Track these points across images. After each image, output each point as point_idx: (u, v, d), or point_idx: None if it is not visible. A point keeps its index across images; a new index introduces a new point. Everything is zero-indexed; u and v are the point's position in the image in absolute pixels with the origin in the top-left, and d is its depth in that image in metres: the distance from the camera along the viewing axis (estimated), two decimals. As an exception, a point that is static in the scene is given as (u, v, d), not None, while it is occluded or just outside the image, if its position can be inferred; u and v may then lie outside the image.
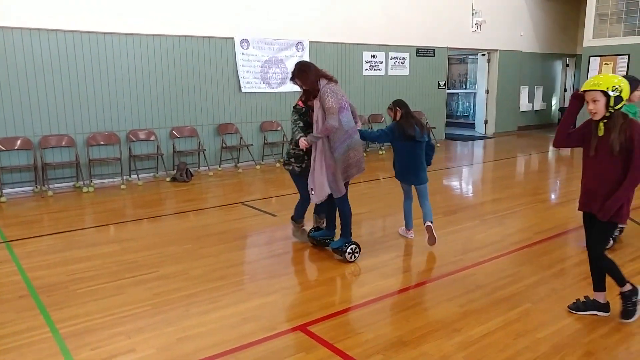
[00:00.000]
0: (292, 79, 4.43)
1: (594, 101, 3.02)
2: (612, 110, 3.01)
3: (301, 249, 4.88)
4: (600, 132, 3.09)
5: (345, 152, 4.30)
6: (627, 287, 3.31)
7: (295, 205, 4.94)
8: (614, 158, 3.04)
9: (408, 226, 5.21)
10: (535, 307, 3.57)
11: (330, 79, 4.32)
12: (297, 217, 4.96)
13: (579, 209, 3.36)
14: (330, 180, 4.32)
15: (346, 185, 4.45)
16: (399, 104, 4.83)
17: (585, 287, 3.88)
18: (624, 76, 3.24)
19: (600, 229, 3.24)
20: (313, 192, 4.45)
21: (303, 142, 4.31)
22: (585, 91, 3.07)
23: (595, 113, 3.04)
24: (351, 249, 4.46)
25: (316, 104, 4.28)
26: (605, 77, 3.02)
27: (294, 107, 4.58)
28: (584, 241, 3.48)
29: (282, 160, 4.82)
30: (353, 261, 4.48)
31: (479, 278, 4.10)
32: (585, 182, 3.28)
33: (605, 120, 3.06)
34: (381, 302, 3.70)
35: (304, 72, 4.31)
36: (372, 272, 4.30)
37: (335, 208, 4.68)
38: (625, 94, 3.00)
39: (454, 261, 4.48)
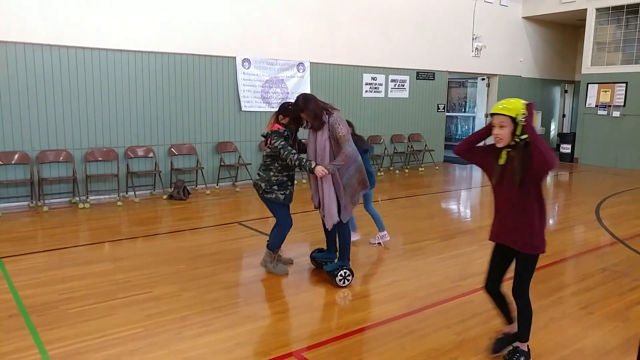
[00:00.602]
0: (296, 111, 4.33)
1: (501, 127, 2.79)
2: (518, 140, 2.78)
3: (300, 271, 4.82)
4: (502, 161, 2.87)
5: (353, 175, 4.37)
6: (525, 346, 3.08)
7: (271, 231, 4.68)
8: (519, 187, 2.81)
9: (383, 227, 5.51)
10: (533, 336, 3.50)
11: (332, 108, 4.34)
12: (275, 246, 4.65)
13: (490, 239, 3.09)
14: (341, 205, 4.34)
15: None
16: (348, 123, 5.29)
17: (583, 317, 3.84)
18: None
19: (523, 263, 2.97)
20: (324, 218, 4.44)
21: (322, 172, 4.16)
22: (493, 114, 2.84)
23: (500, 139, 2.81)
24: (342, 274, 4.40)
25: (322, 134, 4.28)
26: (516, 103, 2.78)
27: (275, 131, 4.35)
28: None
29: (262, 188, 4.51)
30: (345, 286, 4.41)
31: (476, 305, 4.04)
32: (496, 212, 3.04)
33: (509, 149, 2.84)
34: (377, 329, 3.64)
35: (309, 103, 4.26)
36: (368, 297, 4.25)
37: (335, 231, 4.66)
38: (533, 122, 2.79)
39: (451, 287, 4.43)
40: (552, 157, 2.64)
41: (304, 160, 4.23)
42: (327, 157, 4.28)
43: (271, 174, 4.44)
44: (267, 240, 4.78)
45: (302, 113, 4.31)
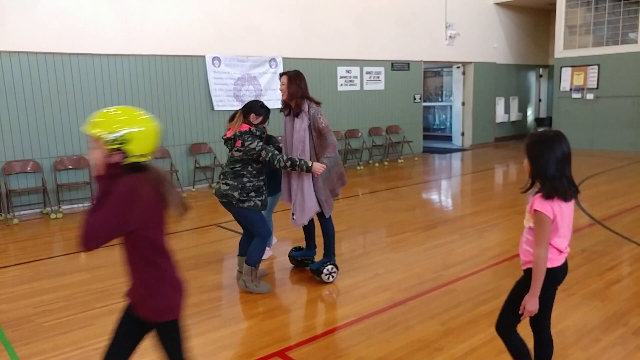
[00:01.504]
0: (281, 75, 4.24)
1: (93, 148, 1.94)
2: (117, 170, 1.94)
3: (280, 270, 4.77)
4: None
5: (332, 168, 4.29)
6: None
7: (250, 249, 4.18)
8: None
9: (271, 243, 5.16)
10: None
11: (317, 102, 4.27)
12: (258, 260, 4.19)
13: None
14: (322, 200, 4.25)
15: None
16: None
17: (564, 298, 3.85)
18: None
19: (161, 336, 2.22)
20: (294, 217, 4.26)
21: (321, 168, 4.05)
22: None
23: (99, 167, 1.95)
24: (328, 269, 4.35)
25: (300, 123, 4.17)
26: (109, 115, 1.94)
27: (247, 132, 4.01)
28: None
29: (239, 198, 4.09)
30: (330, 282, 4.37)
31: (459, 294, 4.04)
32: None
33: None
34: (362, 323, 3.60)
35: (299, 79, 4.17)
36: (352, 292, 4.21)
37: (314, 228, 4.59)
38: (138, 147, 1.93)
39: (434, 277, 4.42)
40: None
41: (297, 160, 4.03)
42: (306, 147, 4.18)
43: (245, 180, 4.04)
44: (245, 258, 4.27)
45: (285, 76, 4.19)
